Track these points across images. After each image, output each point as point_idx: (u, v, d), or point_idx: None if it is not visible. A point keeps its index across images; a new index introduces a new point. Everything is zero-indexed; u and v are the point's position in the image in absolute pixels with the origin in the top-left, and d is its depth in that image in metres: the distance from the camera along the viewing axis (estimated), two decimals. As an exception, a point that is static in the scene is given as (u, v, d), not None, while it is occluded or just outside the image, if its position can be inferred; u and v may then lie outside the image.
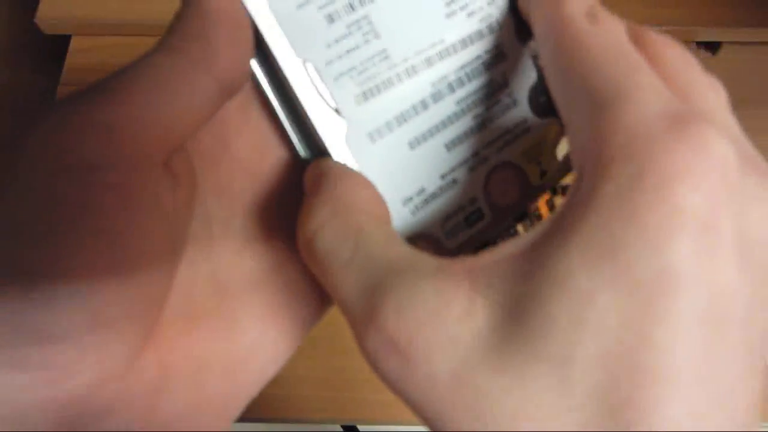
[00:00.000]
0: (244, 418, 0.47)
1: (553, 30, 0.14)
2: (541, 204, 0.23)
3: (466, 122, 0.17)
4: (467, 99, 0.17)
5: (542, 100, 0.18)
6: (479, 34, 0.17)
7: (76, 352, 0.13)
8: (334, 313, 0.51)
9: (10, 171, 0.14)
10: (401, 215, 0.17)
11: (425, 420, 0.13)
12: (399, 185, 0.17)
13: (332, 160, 0.16)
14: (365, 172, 0.16)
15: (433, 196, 0.17)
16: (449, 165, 0.17)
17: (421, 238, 0.17)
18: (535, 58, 0.17)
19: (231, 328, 0.17)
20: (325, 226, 0.14)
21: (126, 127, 0.14)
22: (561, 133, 0.18)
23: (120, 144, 0.14)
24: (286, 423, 0.47)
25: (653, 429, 0.11)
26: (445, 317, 0.12)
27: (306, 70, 0.16)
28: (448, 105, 0.17)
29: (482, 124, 0.17)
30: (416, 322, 0.13)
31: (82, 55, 0.60)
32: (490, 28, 0.17)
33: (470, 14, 0.17)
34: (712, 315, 0.12)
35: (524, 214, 0.19)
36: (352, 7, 0.16)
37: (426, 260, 0.14)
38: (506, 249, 0.13)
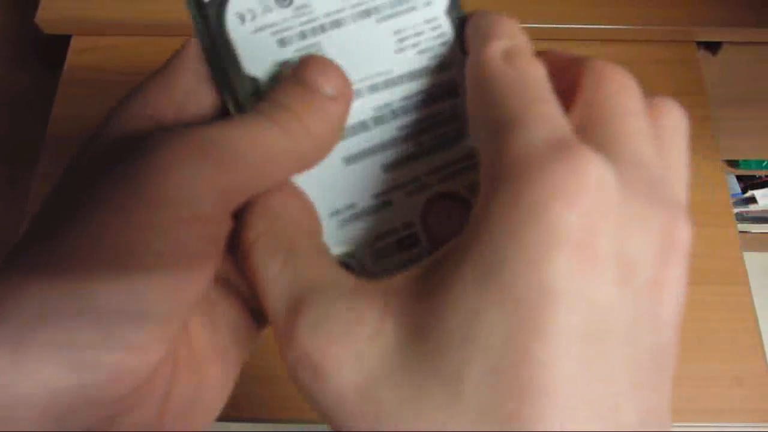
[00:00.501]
0: (244, 418, 0.47)
1: (473, 68, 0.16)
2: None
3: (407, 148, 0.18)
4: (411, 127, 0.18)
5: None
6: (428, 70, 0.18)
7: (131, 362, 0.14)
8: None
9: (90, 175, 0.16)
10: (328, 227, 0.17)
11: (335, 429, 0.13)
12: (329, 197, 0.17)
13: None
14: (297, 181, 0.17)
15: (364, 213, 0.17)
16: (385, 186, 0.18)
17: (347, 255, 0.17)
18: None
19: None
20: (260, 237, 0.16)
21: (230, 194, 0.15)
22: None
23: (223, 205, 0.16)
24: (286, 423, 0.47)
25: None
26: (356, 335, 0.13)
27: (252, 84, 0.17)
28: (390, 130, 0.18)
29: (426, 153, 0.18)
30: (328, 339, 0.13)
31: (82, 55, 0.60)
32: (441, 67, 0.18)
33: (421, 52, 0.18)
34: (592, 330, 0.12)
35: None
36: (304, 35, 0.17)
37: (346, 279, 0.15)
38: (417, 269, 0.14)
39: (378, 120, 0.18)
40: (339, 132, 0.17)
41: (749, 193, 1.10)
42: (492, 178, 0.13)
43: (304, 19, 0.18)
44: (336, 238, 0.17)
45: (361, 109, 0.18)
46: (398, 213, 0.18)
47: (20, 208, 0.53)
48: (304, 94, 0.16)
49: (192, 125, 0.16)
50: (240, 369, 0.20)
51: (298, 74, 0.17)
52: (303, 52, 0.18)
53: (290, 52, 0.18)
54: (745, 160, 0.99)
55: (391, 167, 0.18)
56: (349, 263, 0.17)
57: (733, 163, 1.00)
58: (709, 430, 0.47)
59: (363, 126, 0.18)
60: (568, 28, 0.58)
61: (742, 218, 1.18)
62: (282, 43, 0.18)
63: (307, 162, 0.17)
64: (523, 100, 0.14)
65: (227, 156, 0.15)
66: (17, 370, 0.14)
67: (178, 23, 0.59)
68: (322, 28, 0.18)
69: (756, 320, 0.49)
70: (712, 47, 0.61)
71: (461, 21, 0.18)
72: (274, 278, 0.15)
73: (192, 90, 0.18)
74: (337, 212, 0.17)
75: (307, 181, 0.17)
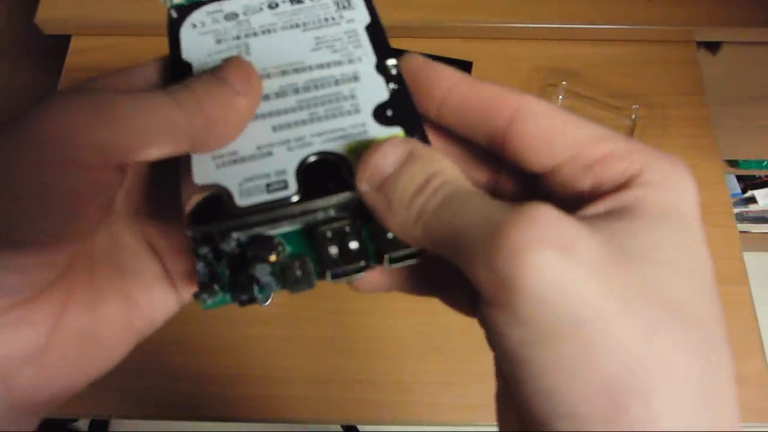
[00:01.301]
0: (244, 418, 0.47)
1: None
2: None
3: (300, 115, 0.20)
4: (309, 100, 0.20)
5: (389, 114, 0.20)
6: (338, 63, 0.21)
7: (30, 257, 0.17)
8: (334, 315, 0.51)
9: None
10: (206, 165, 0.19)
11: (574, 305, 0.14)
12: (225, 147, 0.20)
13: (403, 139, 0.18)
14: None
15: (243, 159, 0.19)
16: (269, 141, 0.19)
17: (215, 186, 0.18)
18: (393, 87, 0.20)
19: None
20: (447, 182, 0.17)
21: (107, 149, 0.17)
22: (412, 139, 0.19)
23: (104, 157, 0.17)
24: (286, 423, 0.47)
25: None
26: (576, 226, 0.15)
27: (187, 68, 0.21)
28: (288, 101, 0.20)
29: (317, 120, 0.20)
30: (566, 216, 0.15)
31: (82, 55, 0.60)
32: (350, 61, 0.21)
33: (334, 51, 0.21)
34: None
35: (341, 201, 0.18)
36: (238, 37, 0.22)
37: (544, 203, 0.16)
38: (587, 211, 0.17)
39: (280, 93, 0.20)
40: (240, 123, 0.19)
41: (749, 193, 1.10)
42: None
43: (240, 29, 0.22)
44: (209, 176, 0.19)
45: (267, 85, 0.21)
46: (275, 162, 0.19)
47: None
48: (209, 81, 0.18)
49: (97, 89, 0.18)
50: (148, 330, 0.21)
51: (215, 69, 0.19)
52: (233, 48, 0.21)
53: (223, 48, 0.22)
54: (745, 160, 0.99)
55: (280, 128, 0.20)
56: (214, 194, 0.18)
57: (733, 163, 1.00)
58: (709, 430, 0.47)
59: (264, 97, 0.20)
60: (568, 28, 0.58)
61: (742, 218, 1.18)
62: (218, 42, 0.22)
63: (202, 141, 0.18)
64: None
65: (111, 115, 0.17)
66: None
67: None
68: (254, 34, 0.22)
69: (756, 320, 0.49)
70: (712, 47, 0.61)
71: (375, 32, 0.22)
72: (482, 202, 0.16)
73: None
74: (220, 156, 0.19)
75: None
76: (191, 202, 0.18)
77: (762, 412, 0.46)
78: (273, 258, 0.18)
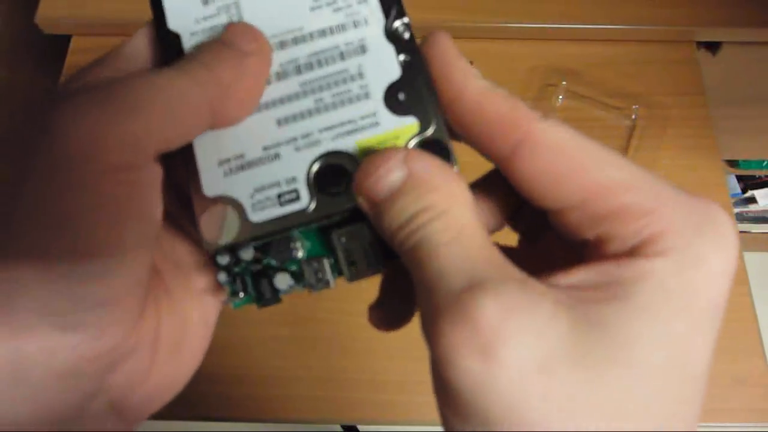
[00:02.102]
0: (245, 418, 0.47)
1: None
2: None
3: (305, 104, 0.18)
4: (313, 83, 0.18)
5: (401, 98, 0.18)
6: (341, 27, 0.18)
7: (112, 316, 0.15)
8: (334, 316, 0.51)
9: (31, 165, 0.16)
10: (214, 174, 0.18)
11: (500, 410, 0.13)
12: (219, 146, 0.18)
13: (404, 150, 0.16)
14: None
15: (251, 164, 0.18)
16: (275, 139, 0.18)
17: (227, 200, 0.18)
18: (404, 59, 0.18)
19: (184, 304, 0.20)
20: (435, 215, 0.15)
21: (142, 140, 0.16)
22: (417, 133, 0.17)
23: (138, 152, 0.16)
24: (286, 423, 0.47)
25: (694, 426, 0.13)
26: (537, 315, 0.13)
27: (176, 41, 0.19)
28: (291, 85, 0.18)
29: (323, 109, 0.18)
30: (510, 313, 0.13)
31: (82, 55, 0.60)
32: (355, 23, 0.18)
33: (336, 10, 0.18)
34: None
35: (352, 213, 0.17)
36: None
37: (511, 267, 0.14)
38: (577, 278, 0.14)
39: (281, 75, 0.18)
40: (257, 85, 0.18)
41: (749, 193, 1.10)
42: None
43: None
44: (219, 187, 0.18)
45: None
46: (284, 167, 0.18)
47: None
48: (218, 49, 0.17)
49: (104, 81, 0.17)
50: (218, 313, 0.21)
51: (220, 36, 0.17)
52: (222, 11, 0.19)
53: (211, 11, 0.19)
54: (745, 160, 0.99)
55: (285, 121, 0.18)
56: (222, 210, 0.18)
57: (733, 163, 1.00)
58: (709, 430, 0.47)
59: (266, 82, 0.19)
60: (568, 28, 0.58)
61: (742, 218, 1.18)
62: (205, 3, 0.19)
63: (224, 112, 0.17)
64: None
65: (129, 104, 0.15)
66: (16, 337, 0.14)
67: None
68: None
69: (756, 320, 0.49)
70: (712, 47, 0.61)
71: None
72: (446, 256, 0.14)
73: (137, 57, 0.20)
74: (226, 161, 0.18)
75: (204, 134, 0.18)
76: (204, 218, 0.18)
77: (762, 412, 0.46)
78: (294, 254, 0.18)
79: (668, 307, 0.14)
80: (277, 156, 0.18)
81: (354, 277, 0.18)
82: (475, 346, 0.13)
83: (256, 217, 0.17)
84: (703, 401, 0.15)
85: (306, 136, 0.18)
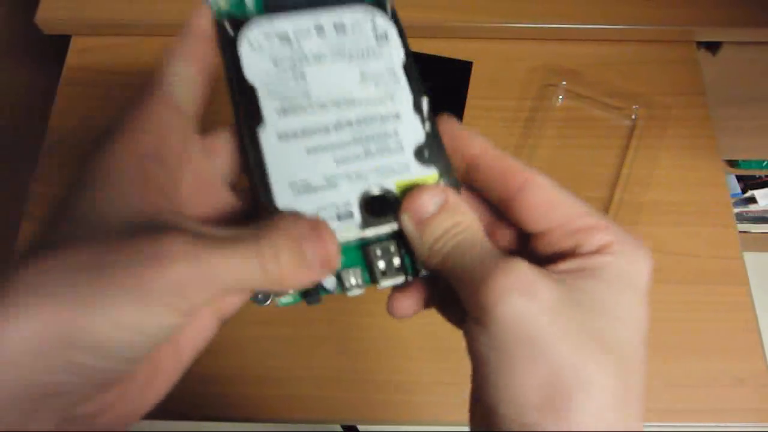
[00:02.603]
0: (244, 418, 0.47)
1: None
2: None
3: (356, 150, 0.24)
4: (363, 136, 0.24)
5: (426, 155, 0.24)
6: (381, 99, 0.25)
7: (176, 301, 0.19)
8: (335, 315, 0.51)
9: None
10: (285, 194, 0.23)
11: (537, 330, 0.20)
12: (290, 173, 0.23)
13: (439, 188, 0.23)
14: (269, 158, 0.23)
15: (315, 189, 0.23)
16: (334, 173, 0.24)
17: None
18: (427, 128, 0.25)
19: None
20: (463, 230, 0.22)
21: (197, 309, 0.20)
22: (437, 180, 0.24)
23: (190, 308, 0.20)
24: (286, 423, 0.47)
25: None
26: (548, 278, 0.21)
27: (251, 92, 0.24)
28: (345, 135, 0.24)
29: (370, 156, 0.24)
30: (535, 272, 0.20)
31: (82, 55, 0.60)
32: (391, 98, 0.25)
33: (377, 85, 0.25)
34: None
35: (393, 230, 0.24)
36: (293, 61, 0.25)
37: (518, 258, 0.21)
38: (562, 267, 0.22)
39: (337, 126, 0.24)
40: (303, 287, 0.22)
41: (749, 193, 1.10)
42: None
43: (295, 53, 0.25)
44: (290, 204, 0.23)
45: (326, 117, 0.24)
46: (340, 194, 0.23)
47: (20, 208, 0.53)
48: (294, 253, 0.20)
49: (189, 240, 0.19)
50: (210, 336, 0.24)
51: (303, 233, 0.21)
52: (289, 72, 0.25)
53: (280, 71, 0.25)
54: (745, 160, 0.99)
55: (341, 162, 0.24)
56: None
57: (733, 163, 1.00)
58: (709, 430, 0.47)
59: (325, 129, 0.24)
60: (568, 28, 0.58)
61: (742, 218, 1.18)
62: (275, 65, 0.25)
63: (265, 290, 0.21)
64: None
65: (203, 276, 0.19)
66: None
67: (176, 23, 0.59)
68: (308, 61, 0.25)
69: (756, 320, 0.49)
70: (712, 47, 0.61)
71: (410, 69, 0.26)
72: (478, 252, 0.22)
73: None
74: (294, 184, 0.23)
75: (276, 160, 0.23)
76: None
77: (762, 412, 0.46)
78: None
79: (620, 283, 0.22)
80: (335, 185, 0.23)
81: (385, 282, 0.23)
82: (520, 290, 0.20)
83: None
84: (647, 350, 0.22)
85: (357, 173, 0.24)
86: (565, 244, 0.22)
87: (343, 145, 0.24)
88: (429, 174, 0.24)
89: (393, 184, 0.24)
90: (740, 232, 0.72)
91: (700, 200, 0.53)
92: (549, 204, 0.23)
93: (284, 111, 0.24)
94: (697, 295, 0.49)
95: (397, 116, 0.25)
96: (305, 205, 0.23)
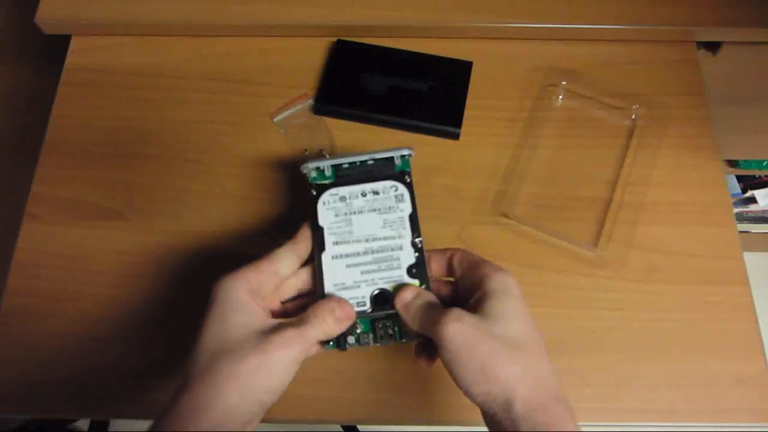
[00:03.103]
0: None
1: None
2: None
3: (373, 267, 0.41)
4: (377, 259, 0.41)
5: (414, 272, 0.41)
6: (393, 238, 0.42)
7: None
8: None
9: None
10: (330, 289, 0.41)
11: (466, 340, 0.34)
12: (336, 278, 0.41)
13: (416, 288, 0.40)
14: (328, 270, 0.41)
15: (346, 287, 0.41)
16: (359, 279, 0.41)
17: None
18: (417, 255, 0.41)
19: None
20: (420, 299, 0.39)
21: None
22: (419, 285, 0.40)
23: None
24: (287, 423, 0.47)
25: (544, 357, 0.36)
26: (467, 314, 0.36)
27: (320, 230, 0.42)
28: (368, 258, 0.41)
29: (381, 270, 0.41)
30: (462, 313, 0.36)
31: (82, 55, 0.60)
32: (399, 237, 0.42)
33: (393, 229, 0.42)
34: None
35: (388, 313, 0.40)
36: (346, 214, 0.42)
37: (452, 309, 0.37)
38: (472, 300, 0.38)
39: (365, 253, 0.41)
40: (339, 332, 0.39)
41: (749, 193, 1.10)
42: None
43: (347, 208, 0.43)
44: (333, 292, 0.41)
45: (359, 247, 0.42)
46: (361, 292, 0.41)
47: (20, 208, 0.53)
48: (331, 315, 0.38)
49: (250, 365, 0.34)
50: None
51: (334, 305, 0.38)
52: (343, 221, 0.42)
53: (338, 220, 0.42)
54: (745, 160, 0.99)
55: (364, 272, 0.41)
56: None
57: (733, 163, 1.00)
58: (709, 430, 0.47)
59: (357, 254, 0.41)
60: (567, 28, 0.58)
61: (742, 218, 1.18)
62: (336, 216, 0.42)
63: (325, 338, 0.38)
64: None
65: (306, 346, 0.36)
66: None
67: (176, 23, 0.59)
68: (354, 213, 0.43)
69: (756, 320, 0.49)
70: (712, 47, 0.61)
71: (413, 219, 0.42)
72: (437, 316, 0.36)
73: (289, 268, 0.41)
74: (336, 285, 0.41)
75: (331, 271, 0.41)
76: None
77: (762, 412, 0.46)
78: (356, 330, 0.40)
79: (502, 295, 0.37)
80: (358, 286, 0.41)
81: (385, 343, 0.40)
82: (455, 319, 0.35)
83: None
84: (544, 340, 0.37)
85: (372, 280, 0.41)
86: (469, 281, 0.39)
87: (366, 264, 0.41)
88: (414, 282, 0.40)
89: (391, 287, 0.40)
90: (740, 232, 0.72)
91: (700, 200, 0.53)
92: (473, 273, 0.39)
93: (337, 243, 0.42)
94: (697, 295, 0.49)
95: (401, 248, 0.42)
96: (343, 295, 0.40)
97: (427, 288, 0.40)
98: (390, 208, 0.42)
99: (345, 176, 0.43)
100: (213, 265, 0.50)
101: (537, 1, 0.59)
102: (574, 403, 0.47)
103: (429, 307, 0.37)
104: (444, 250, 0.41)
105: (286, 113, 0.57)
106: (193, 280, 0.50)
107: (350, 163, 0.44)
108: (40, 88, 0.66)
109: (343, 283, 0.40)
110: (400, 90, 0.57)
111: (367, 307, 0.40)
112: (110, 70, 0.59)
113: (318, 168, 0.43)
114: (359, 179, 0.43)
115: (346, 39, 0.59)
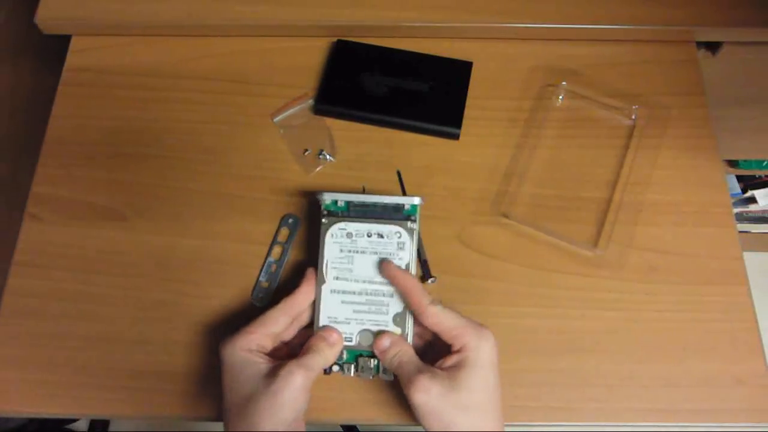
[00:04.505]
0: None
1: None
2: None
3: (364, 308, 0.45)
4: (370, 300, 0.45)
5: (398, 320, 0.45)
6: (386, 284, 0.45)
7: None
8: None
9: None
10: (325, 322, 0.45)
11: (432, 410, 0.40)
12: (330, 311, 0.45)
13: (394, 336, 0.44)
14: (325, 303, 0.45)
15: (339, 323, 0.45)
16: (349, 317, 0.45)
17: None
18: (404, 306, 0.45)
19: None
20: (397, 349, 0.44)
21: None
22: (401, 333, 0.45)
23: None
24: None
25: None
26: (438, 378, 0.41)
27: (324, 262, 0.46)
28: (362, 299, 0.45)
29: (370, 312, 0.45)
30: (431, 378, 0.41)
31: (82, 55, 0.60)
32: (391, 285, 0.45)
33: (378, 336, 0.44)
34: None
35: (371, 351, 0.45)
36: (349, 250, 0.46)
37: (426, 367, 0.42)
38: (448, 363, 0.42)
39: (360, 293, 0.45)
40: (333, 358, 0.44)
41: (749, 193, 1.10)
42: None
43: (352, 245, 0.46)
44: (327, 324, 0.45)
45: (356, 286, 0.45)
46: (350, 328, 0.45)
47: (20, 208, 0.53)
48: (325, 347, 0.44)
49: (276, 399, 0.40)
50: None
51: (326, 334, 0.44)
52: (346, 257, 0.46)
53: (342, 255, 0.46)
54: (745, 160, 0.99)
55: (355, 311, 0.45)
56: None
57: (733, 163, 1.00)
58: (709, 430, 0.47)
59: (353, 293, 0.45)
60: (568, 28, 0.58)
61: (742, 218, 1.18)
62: (340, 250, 0.46)
63: (325, 365, 0.44)
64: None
65: (313, 374, 0.42)
66: None
67: (176, 23, 0.59)
68: (357, 252, 0.46)
69: (756, 320, 0.49)
70: (712, 47, 0.61)
71: (408, 267, 0.45)
72: (409, 368, 0.42)
73: (284, 325, 0.45)
74: (330, 317, 0.45)
75: (327, 305, 0.45)
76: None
77: (762, 413, 0.46)
78: (342, 359, 0.45)
79: (474, 366, 0.41)
80: (348, 322, 0.45)
81: (366, 376, 0.45)
82: (421, 390, 0.40)
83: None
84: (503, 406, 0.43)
85: (361, 319, 0.45)
86: (448, 342, 0.42)
87: (359, 304, 0.45)
88: (397, 330, 0.45)
89: (375, 330, 0.45)
90: (740, 232, 0.72)
91: (700, 200, 0.53)
92: (449, 330, 0.42)
93: (337, 278, 0.45)
94: (697, 295, 0.49)
95: (392, 295, 0.45)
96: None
97: (408, 336, 0.44)
98: (390, 254, 0.45)
99: (356, 211, 0.46)
100: (213, 265, 0.51)
101: (537, 1, 0.59)
102: (574, 404, 0.47)
103: (403, 361, 0.42)
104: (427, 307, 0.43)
105: (286, 113, 0.57)
106: (193, 281, 0.50)
107: (362, 203, 0.46)
108: (40, 88, 0.66)
109: (336, 318, 0.45)
110: (400, 90, 0.57)
111: (354, 343, 0.45)
112: (110, 70, 0.59)
113: (333, 199, 0.46)
114: (368, 216, 0.46)
115: (346, 39, 0.59)
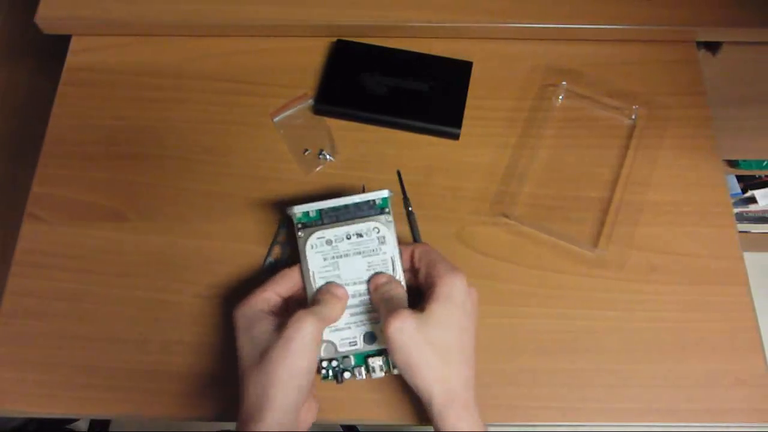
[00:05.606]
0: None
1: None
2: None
3: (360, 309, 0.45)
4: (364, 302, 0.45)
5: (380, 328, 0.43)
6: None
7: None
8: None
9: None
10: (325, 333, 0.45)
11: (409, 341, 0.41)
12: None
13: (389, 276, 0.46)
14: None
15: (339, 329, 0.45)
16: (349, 322, 0.45)
17: (328, 341, 0.45)
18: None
19: None
20: (390, 290, 0.45)
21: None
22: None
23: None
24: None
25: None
26: (415, 315, 0.41)
27: (309, 271, 0.45)
28: (356, 301, 0.45)
29: (367, 311, 0.45)
30: (410, 315, 0.41)
31: (82, 55, 0.60)
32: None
33: (377, 273, 0.45)
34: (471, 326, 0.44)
35: (379, 348, 0.45)
36: (333, 257, 0.45)
37: (407, 309, 0.42)
38: (426, 296, 0.43)
39: (353, 296, 0.45)
40: (341, 313, 0.45)
41: (749, 193, 1.10)
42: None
43: (334, 251, 0.45)
44: (326, 335, 0.45)
45: (349, 291, 0.45)
46: (351, 333, 0.45)
47: (20, 208, 0.53)
48: (332, 299, 0.44)
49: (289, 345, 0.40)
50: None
51: (330, 289, 0.45)
52: (330, 264, 0.45)
53: (326, 264, 0.45)
54: (745, 160, 0.99)
55: (353, 314, 0.45)
56: (327, 344, 0.45)
57: (733, 163, 1.00)
58: (709, 430, 0.47)
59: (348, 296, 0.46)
60: (568, 28, 0.58)
61: (742, 218, 1.18)
62: (323, 259, 0.45)
63: (334, 318, 0.45)
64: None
65: (322, 325, 0.43)
66: None
67: (176, 23, 0.59)
68: (340, 256, 0.45)
69: (756, 320, 0.49)
70: (712, 47, 0.61)
71: (395, 261, 0.46)
72: (397, 301, 0.44)
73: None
74: (329, 328, 0.45)
75: None
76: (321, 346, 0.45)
77: (762, 412, 0.46)
78: (351, 365, 0.45)
79: (446, 301, 0.42)
80: (349, 327, 0.45)
81: (378, 375, 0.45)
82: (396, 324, 0.40)
83: (341, 348, 0.45)
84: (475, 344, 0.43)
85: (361, 321, 0.45)
86: (425, 278, 0.44)
87: (354, 306, 0.45)
88: (381, 339, 0.45)
89: (376, 329, 0.45)
90: (740, 232, 0.72)
91: (700, 200, 0.53)
92: (433, 269, 0.44)
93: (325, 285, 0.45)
94: (697, 295, 0.49)
95: None
96: (335, 337, 0.45)
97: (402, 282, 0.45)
98: (374, 251, 0.45)
99: (329, 217, 0.46)
100: (213, 266, 0.51)
101: (537, 1, 0.59)
102: (574, 404, 0.47)
103: (392, 296, 0.43)
104: (407, 246, 0.47)
105: (286, 113, 0.57)
106: (193, 280, 0.50)
107: (333, 207, 0.46)
108: (40, 88, 0.66)
109: (336, 326, 0.45)
110: (400, 90, 0.57)
111: (360, 345, 0.45)
112: (110, 70, 0.59)
113: (304, 211, 0.46)
114: (343, 219, 0.45)
115: (346, 39, 0.59)
